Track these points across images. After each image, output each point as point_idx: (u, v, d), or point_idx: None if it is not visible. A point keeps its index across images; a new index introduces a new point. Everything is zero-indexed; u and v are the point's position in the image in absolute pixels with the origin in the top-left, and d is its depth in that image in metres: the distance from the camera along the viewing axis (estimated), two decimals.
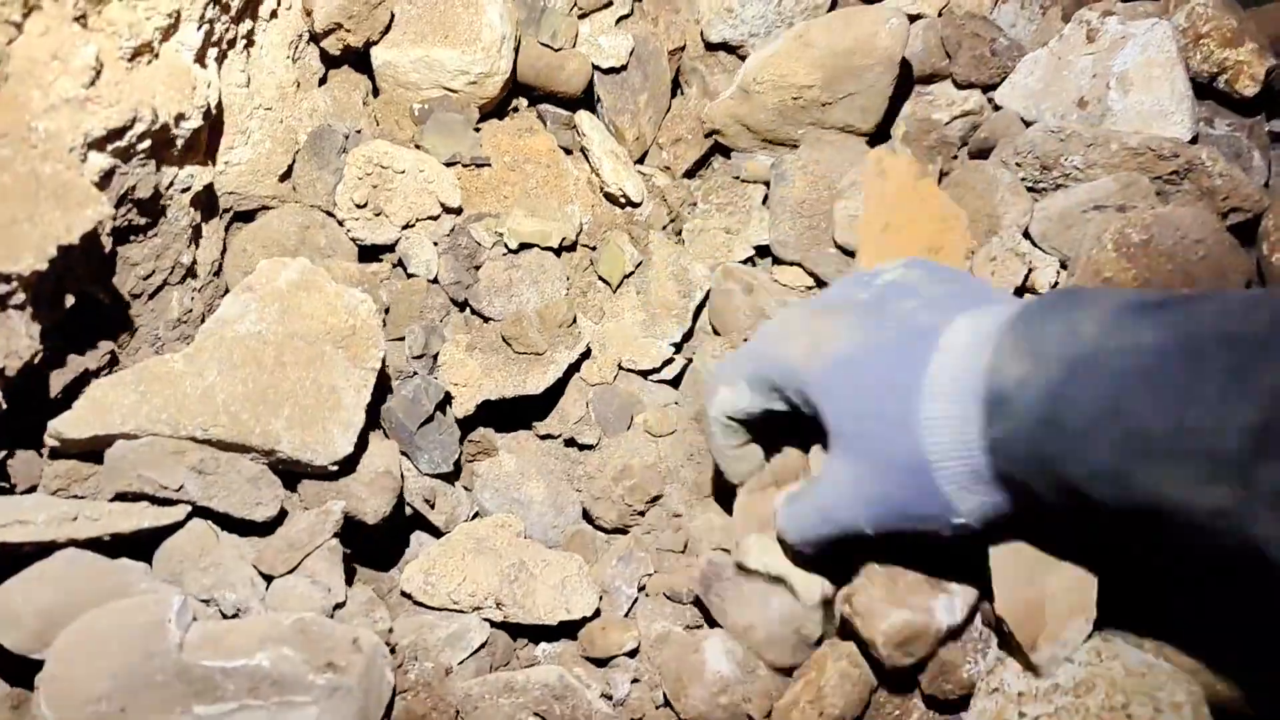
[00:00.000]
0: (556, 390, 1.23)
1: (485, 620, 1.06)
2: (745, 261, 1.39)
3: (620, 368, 1.27)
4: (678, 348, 1.29)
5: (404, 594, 1.07)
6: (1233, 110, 1.25)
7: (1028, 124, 1.29)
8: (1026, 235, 1.22)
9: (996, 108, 1.35)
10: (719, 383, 0.91)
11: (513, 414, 1.24)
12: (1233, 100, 1.24)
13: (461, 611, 1.05)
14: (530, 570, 1.07)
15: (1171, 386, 0.56)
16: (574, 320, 1.21)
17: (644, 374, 1.28)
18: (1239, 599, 0.80)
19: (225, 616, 0.91)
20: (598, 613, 1.08)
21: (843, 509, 0.78)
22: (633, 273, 1.30)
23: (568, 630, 1.08)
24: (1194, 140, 1.20)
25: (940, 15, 1.38)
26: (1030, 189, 1.26)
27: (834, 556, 0.88)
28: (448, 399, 1.18)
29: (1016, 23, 1.40)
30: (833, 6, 1.42)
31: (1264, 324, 0.55)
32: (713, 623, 1.02)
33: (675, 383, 1.30)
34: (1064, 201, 1.18)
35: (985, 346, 0.67)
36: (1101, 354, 0.60)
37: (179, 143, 0.95)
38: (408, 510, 1.17)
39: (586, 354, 1.24)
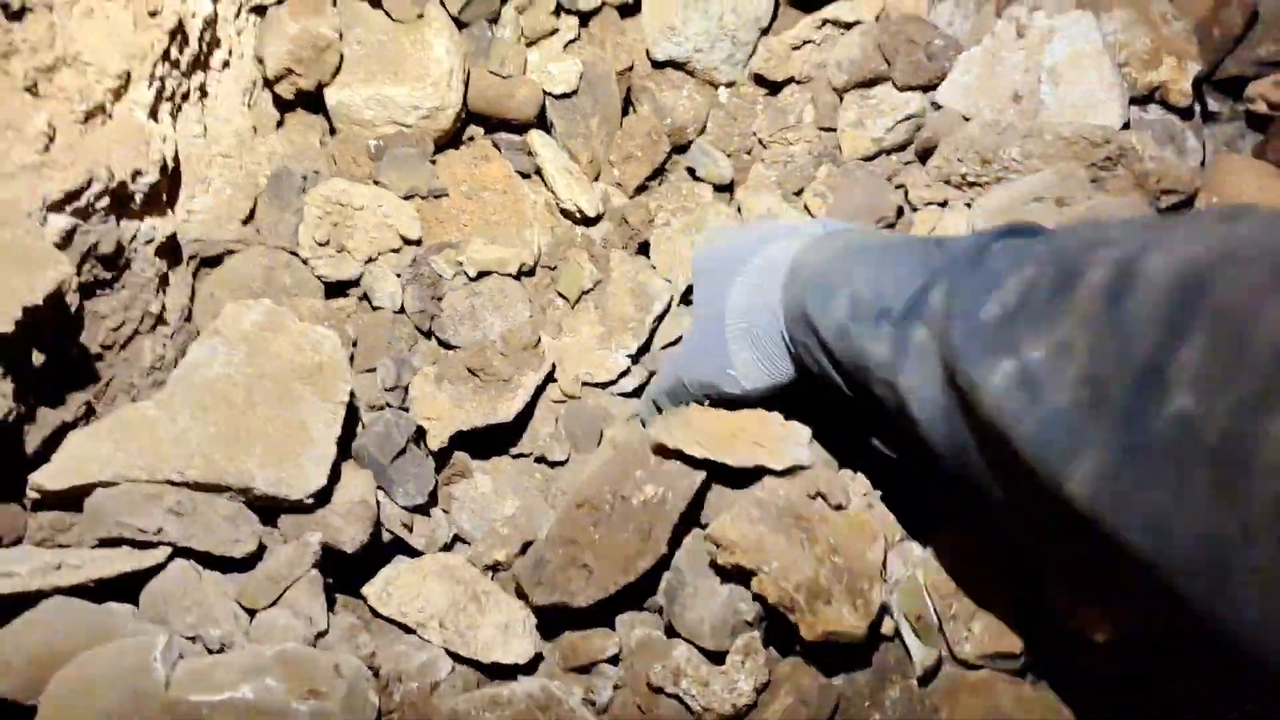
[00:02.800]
0: (527, 411, 1.26)
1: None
2: None
3: (580, 382, 1.30)
4: (634, 359, 1.32)
5: (360, 595, 1.10)
6: (1177, 114, 1.29)
7: (969, 121, 1.33)
8: (973, 231, 1.26)
9: (937, 107, 1.38)
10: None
11: (487, 437, 1.27)
12: (1176, 109, 1.28)
13: (408, 629, 1.08)
14: (481, 605, 1.10)
15: (879, 265, 0.86)
16: (538, 341, 1.24)
17: (601, 386, 1.31)
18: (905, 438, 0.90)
19: (211, 652, 0.93)
20: (533, 662, 1.09)
21: (677, 366, 1.12)
22: (591, 289, 1.33)
23: (500, 672, 1.08)
24: (1126, 126, 1.23)
25: (878, 20, 1.42)
26: (973, 184, 1.29)
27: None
28: (421, 433, 1.21)
29: (953, 21, 1.44)
30: (773, 20, 1.47)
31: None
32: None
33: (636, 394, 1.33)
34: (1004, 195, 1.22)
35: (796, 244, 1.01)
36: (853, 244, 0.95)
37: (138, 197, 0.98)
38: (387, 535, 1.20)
39: (552, 373, 1.28)
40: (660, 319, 1.35)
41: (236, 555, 0.99)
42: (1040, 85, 1.25)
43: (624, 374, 1.31)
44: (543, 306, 1.30)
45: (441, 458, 1.24)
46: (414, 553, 1.22)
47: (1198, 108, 1.30)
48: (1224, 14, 1.33)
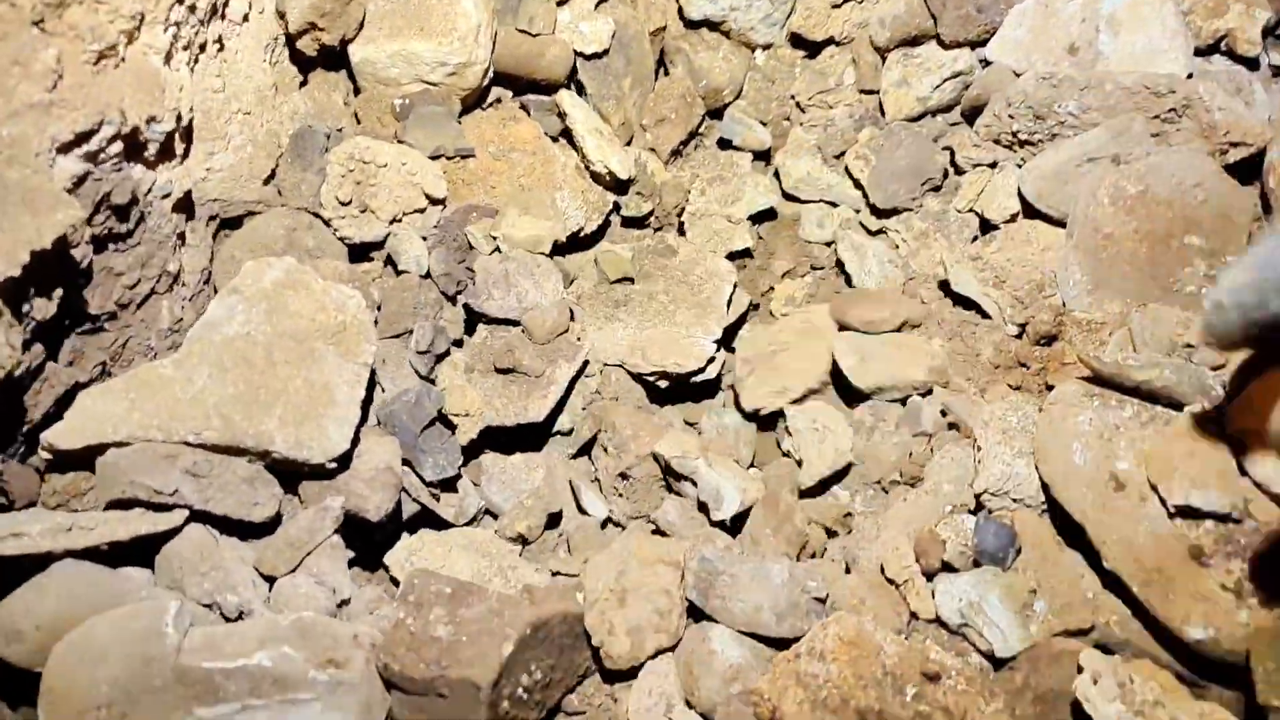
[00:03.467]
0: (560, 405, 1.21)
1: None
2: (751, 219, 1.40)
3: (664, 374, 1.26)
4: (719, 346, 1.27)
5: (384, 566, 1.06)
6: (1244, 64, 1.22)
7: (1020, 76, 1.26)
8: (1020, 197, 1.20)
9: (986, 64, 1.32)
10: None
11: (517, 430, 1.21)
12: (1242, 59, 1.21)
13: None
14: (507, 580, 1.06)
15: None
16: (567, 328, 1.19)
17: (688, 376, 1.26)
18: None
19: (228, 619, 0.89)
20: None
21: None
22: (632, 278, 1.28)
23: None
24: (1190, 76, 1.17)
25: None
26: (1025, 142, 1.23)
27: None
28: (450, 425, 1.16)
29: None
30: None
31: None
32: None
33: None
34: (1055, 158, 1.16)
35: None
36: None
37: (152, 146, 0.94)
38: (414, 506, 1.15)
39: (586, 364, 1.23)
40: (729, 302, 1.30)
41: (255, 519, 0.94)
42: (1098, 35, 1.19)
43: (710, 361, 1.26)
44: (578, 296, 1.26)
45: (470, 450, 1.19)
46: (443, 524, 1.18)
47: (1265, 59, 1.23)
48: None
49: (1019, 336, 1.16)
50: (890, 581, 1.01)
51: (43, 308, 0.83)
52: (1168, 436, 0.91)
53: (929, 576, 0.99)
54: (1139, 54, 1.17)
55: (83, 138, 0.83)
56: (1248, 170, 1.13)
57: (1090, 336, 1.08)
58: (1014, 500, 1.00)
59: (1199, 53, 1.21)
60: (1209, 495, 0.85)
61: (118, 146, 0.88)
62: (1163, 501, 0.87)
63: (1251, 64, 1.20)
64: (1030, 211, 1.21)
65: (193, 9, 1.00)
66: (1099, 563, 0.91)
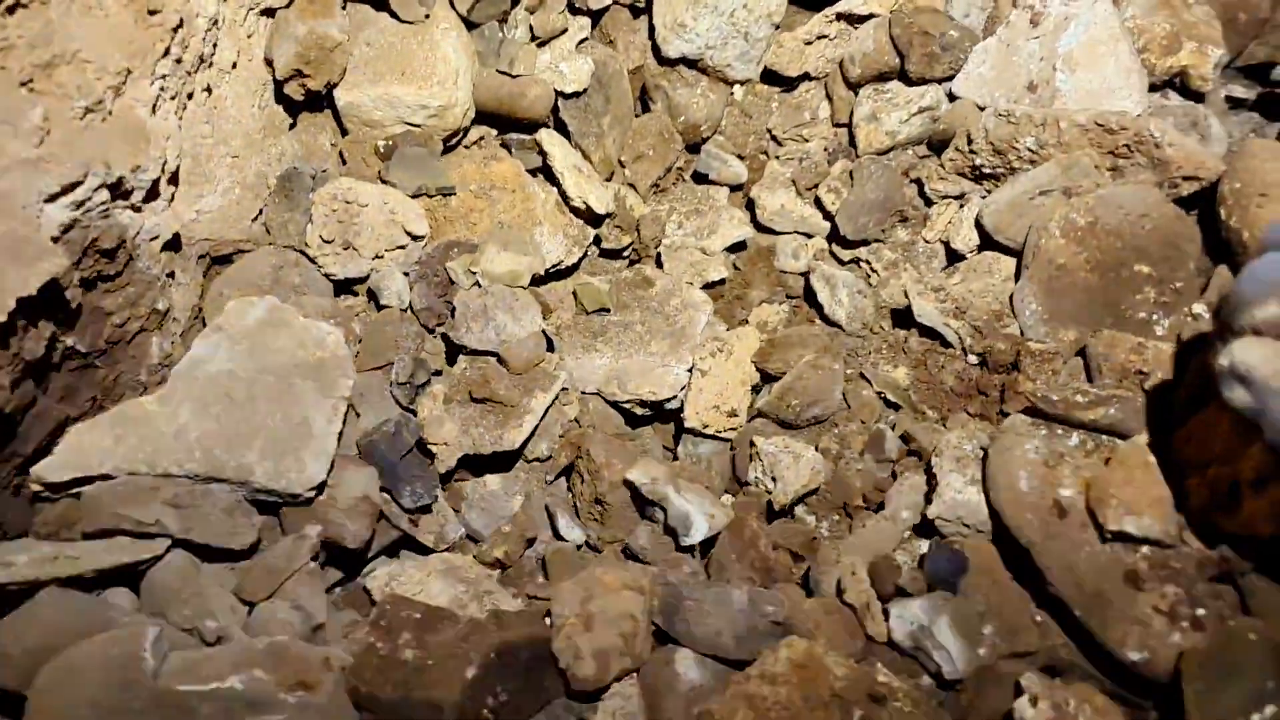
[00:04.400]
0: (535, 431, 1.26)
1: None
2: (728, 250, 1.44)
3: (640, 401, 1.30)
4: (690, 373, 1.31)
5: (365, 590, 1.10)
6: (1198, 100, 1.25)
7: (984, 111, 1.30)
8: (980, 229, 1.23)
9: (953, 98, 1.36)
10: (1268, 295, 0.72)
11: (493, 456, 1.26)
12: (1196, 94, 1.24)
13: None
14: (482, 606, 1.09)
15: None
16: (542, 359, 1.24)
17: (661, 403, 1.31)
18: None
19: (207, 644, 0.93)
20: None
21: None
22: (608, 309, 1.33)
23: None
24: (1145, 113, 1.20)
25: (892, 13, 1.39)
26: (988, 176, 1.27)
27: None
28: (429, 453, 1.21)
29: (969, 11, 1.41)
30: (780, 24, 1.45)
31: None
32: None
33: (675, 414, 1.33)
34: (1011, 191, 1.19)
35: None
36: None
37: (139, 193, 0.99)
38: (395, 532, 1.20)
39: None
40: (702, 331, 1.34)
41: (235, 547, 0.99)
42: (1056, 73, 1.22)
43: (684, 388, 1.30)
44: (556, 327, 1.31)
45: (446, 478, 1.24)
46: (424, 549, 1.22)
47: (1220, 94, 1.27)
48: None
49: (979, 365, 1.19)
50: (848, 605, 1.04)
51: (32, 348, 0.88)
52: (1108, 465, 0.94)
53: (884, 600, 1.03)
54: (1095, 91, 1.20)
55: (69, 188, 0.88)
56: (1200, 201, 1.17)
57: (1045, 366, 1.12)
58: (966, 526, 1.03)
59: (1154, 88, 1.24)
60: (1143, 522, 0.88)
61: (104, 195, 0.93)
62: (1099, 527, 0.91)
63: (1205, 99, 1.23)
64: (990, 243, 1.24)
65: (179, 61, 1.05)
66: (1044, 587, 0.94)
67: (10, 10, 0.82)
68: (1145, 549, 0.89)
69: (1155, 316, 1.10)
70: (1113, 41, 1.20)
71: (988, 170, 1.26)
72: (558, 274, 1.42)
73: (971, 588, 0.99)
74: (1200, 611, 0.86)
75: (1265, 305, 0.70)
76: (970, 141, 1.25)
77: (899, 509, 1.10)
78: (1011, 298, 1.19)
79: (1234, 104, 1.31)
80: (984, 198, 1.28)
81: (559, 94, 1.42)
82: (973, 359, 1.20)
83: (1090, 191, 1.15)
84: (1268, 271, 0.71)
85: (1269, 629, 0.82)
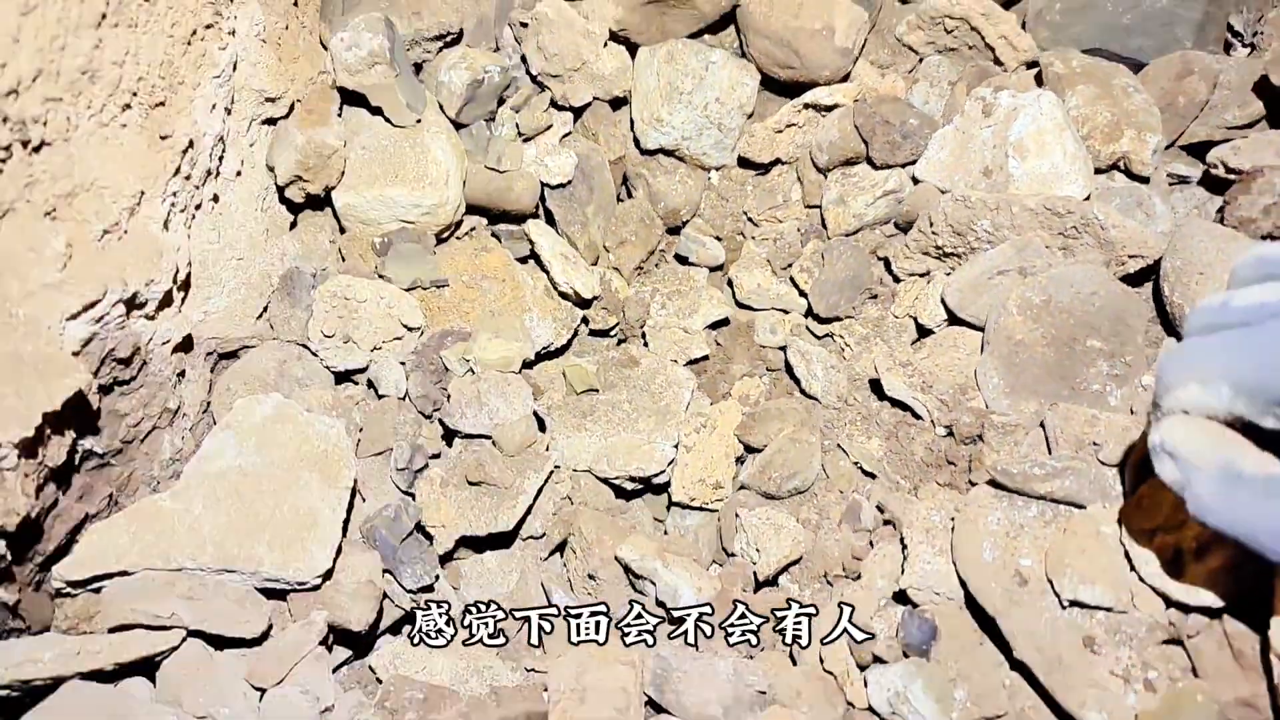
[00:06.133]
0: (530, 510, 1.32)
1: None
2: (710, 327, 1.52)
3: (629, 477, 1.36)
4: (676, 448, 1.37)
5: (370, 668, 1.15)
6: (1140, 181, 1.33)
7: (944, 194, 1.38)
8: (945, 306, 1.31)
9: (917, 181, 1.44)
10: (1186, 377, 0.76)
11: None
12: (1139, 176, 1.33)
13: None
14: (483, 680, 1.15)
15: None
16: (534, 440, 1.30)
17: (646, 480, 1.37)
18: None
19: None
20: None
21: (1249, 370, 0.70)
22: (597, 389, 1.40)
23: None
24: (1090, 196, 1.28)
25: (856, 102, 1.48)
26: (950, 255, 1.34)
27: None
28: (428, 535, 1.27)
29: (929, 99, 1.51)
30: (752, 113, 1.54)
31: None
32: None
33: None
34: (972, 271, 1.27)
35: None
36: None
37: (152, 303, 1.06)
38: (398, 611, 1.25)
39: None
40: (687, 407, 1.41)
41: (246, 635, 1.05)
42: (1008, 160, 1.30)
43: (671, 463, 1.36)
44: (548, 407, 1.37)
45: (445, 558, 1.30)
46: None
47: (1164, 174, 1.35)
48: (1187, 83, 1.38)
49: (947, 436, 1.26)
50: (829, 673, 1.10)
51: (55, 455, 0.95)
52: (1064, 535, 1.00)
53: (862, 668, 1.08)
54: (1044, 176, 1.28)
55: (89, 306, 0.95)
56: (1147, 277, 1.24)
57: (1007, 437, 1.18)
58: (937, 594, 1.09)
59: (1101, 171, 1.33)
60: (1095, 590, 0.94)
61: (120, 309, 1.00)
62: (1057, 595, 0.97)
63: (1149, 180, 1.31)
64: (954, 319, 1.32)
65: (188, 178, 1.13)
66: (1010, 653, 1.00)
67: (36, 149, 0.89)
68: (1100, 615, 0.95)
69: (1109, 388, 1.17)
70: (1058, 131, 1.28)
71: (949, 250, 1.34)
72: (549, 355, 1.49)
73: (944, 654, 1.05)
74: (1152, 674, 0.92)
75: (1186, 387, 0.76)
76: (931, 224, 1.33)
77: (875, 578, 1.16)
78: (976, 372, 1.26)
79: (1179, 181, 1.39)
80: (948, 274, 1.35)
81: (545, 185, 1.50)
82: (941, 431, 1.26)
83: (1044, 271, 1.23)
84: (1187, 355, 0.78)
85: (1215, 689, 0.88)
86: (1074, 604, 0.96)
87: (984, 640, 1.06)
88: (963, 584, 1.06)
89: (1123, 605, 0.94)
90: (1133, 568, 0.96)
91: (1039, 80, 1.42)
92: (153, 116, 1.06)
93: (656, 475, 1.36)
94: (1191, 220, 1.25)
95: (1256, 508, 0.71)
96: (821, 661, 1.10)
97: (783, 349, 1.51)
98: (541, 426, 1.37)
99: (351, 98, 1.37)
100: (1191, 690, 0.88)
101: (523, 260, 1.49)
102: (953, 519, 1.11)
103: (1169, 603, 0.93)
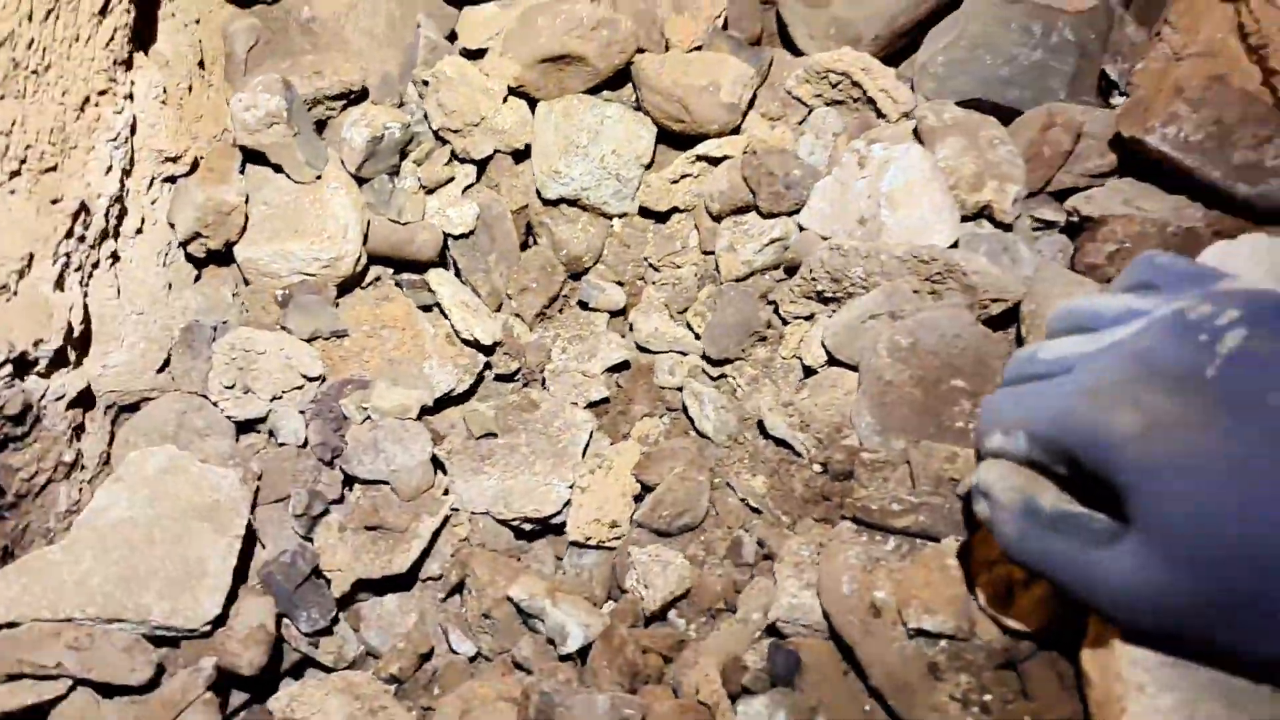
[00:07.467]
0: (425, 554, 1.36)
1: None
2: (608, 370, 1.57)
3: (526, 518, 1.40)
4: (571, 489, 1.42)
5: (269, 712, 1.18)
6: (1004, 228, 1.41)
7: (825, 241, 1.45)
8: (824, 348, 1.37)
9: (803, 229, 1.51)
10: (993, 426, 0.82)
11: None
12: (1002, 224, 1.40)
13: None
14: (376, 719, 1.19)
15: None
16: (431, 485, 1.35)
17: (544, 520, 1.41)
18: None
19: None
20: None
21: (1125, 602, 0.72)
22: (495, 433, 1.45)
23: None
24: (956, 244, 1.35)
25: (744, 154, 1.55)
26: (830, 299, 1.41)
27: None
28: (327, 579, 1.31)
29: (814, 151, 1.58)
30: (650, 164, 1.60)
31: None
32: None
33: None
34: (847, 315, 1.33)
35: None
36: None
37: (43, 361, 1.10)
38: (295, 655, 1.29)
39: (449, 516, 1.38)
40: (586, 446, 1.46)
41: (133, 683, 1.08)
42: (881, 210, 1.38)
43: (566, 504, 1.41)
44: (448, 451, 1.42)
45: (344, 600, 1.33)
46: (326, 668, 1.31)
47: (1028, 220, 1.43)
48: (1051, 134, 1.46)
49: (823, 473, 1.32)
50: (703, 704, 1.15)
51: None
52: (913, 568, 1.06)
53: (733, 698, 1.13)
54: (913, 226, 1.36)
55: None
56: (1012, 319, 1.31)
57: (876, 474, 1.24)
58: (804, 627, 1.15)
59: (969, 219, 1.40)
60: (937, 619, 1.00)
61: (7, 370, 1.04)
62: (905, 625, 1.03)
63: (1010, 227, 1.39)
64: (834, 361, 1.38)
65: (82, 239, 1.17)
66: (867, 680, 1.06)
67: None
68: (943, 643, 1.01)
69: (971, 426, 1.24)
70: (926, 182, 1.36)
71: (829, 295, 1.40)
72: (453, 400, 1.54)
73: (808, 684, 1.10)
74: (988, 697, 0.97)
75: (993, 435, 0.83)
76: (811, 270, 1.40)
77: (750, 611, 1.22)
78: (851, 411, 1.32)
79: (1045, 226, 1.47)
80: (829, 317, 1.42)
81: (448, 235, 1.56)
82: (817, 468, 1.32)
83: (911, 315, 1.30)
84: (997, 403, 0.84)
85: (1040, 710, 0.94)
86: (919, 633, 1.02)
87: (848, 670, 1.11)
88: (826, 616, 1.12)
89: (963, 633, 1.00)
90: (974, 598, 1.02)
91: (916, 131, 1.50)
92: (43, 181, 1.10)
93: (553, 516, 1.41)
94: (1047, 265, 1.33)
95: (1047, 542, 0.77)
96: (697, 693, 1.15)
97: (680, 389, 1.57)
98: (443, 470, 1.41)
99: (254, 155, 1.42)
100: (1019, 712, 0.94)
101: (426, 309, 1.54)
102: (819, 553, 1.17)
103: (1004, 630, 0.99)
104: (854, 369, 1.37)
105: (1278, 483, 0.64)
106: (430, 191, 1.55)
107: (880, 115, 1.57)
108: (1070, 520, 0.77)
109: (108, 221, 1.22)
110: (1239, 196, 1.28)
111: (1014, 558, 0.80)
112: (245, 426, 1.39)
